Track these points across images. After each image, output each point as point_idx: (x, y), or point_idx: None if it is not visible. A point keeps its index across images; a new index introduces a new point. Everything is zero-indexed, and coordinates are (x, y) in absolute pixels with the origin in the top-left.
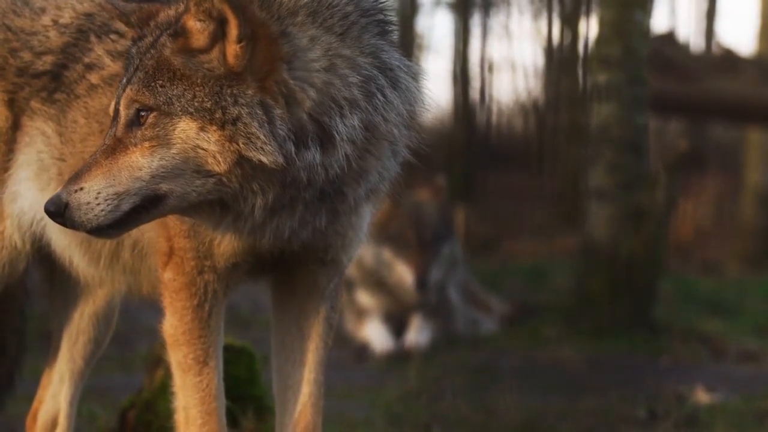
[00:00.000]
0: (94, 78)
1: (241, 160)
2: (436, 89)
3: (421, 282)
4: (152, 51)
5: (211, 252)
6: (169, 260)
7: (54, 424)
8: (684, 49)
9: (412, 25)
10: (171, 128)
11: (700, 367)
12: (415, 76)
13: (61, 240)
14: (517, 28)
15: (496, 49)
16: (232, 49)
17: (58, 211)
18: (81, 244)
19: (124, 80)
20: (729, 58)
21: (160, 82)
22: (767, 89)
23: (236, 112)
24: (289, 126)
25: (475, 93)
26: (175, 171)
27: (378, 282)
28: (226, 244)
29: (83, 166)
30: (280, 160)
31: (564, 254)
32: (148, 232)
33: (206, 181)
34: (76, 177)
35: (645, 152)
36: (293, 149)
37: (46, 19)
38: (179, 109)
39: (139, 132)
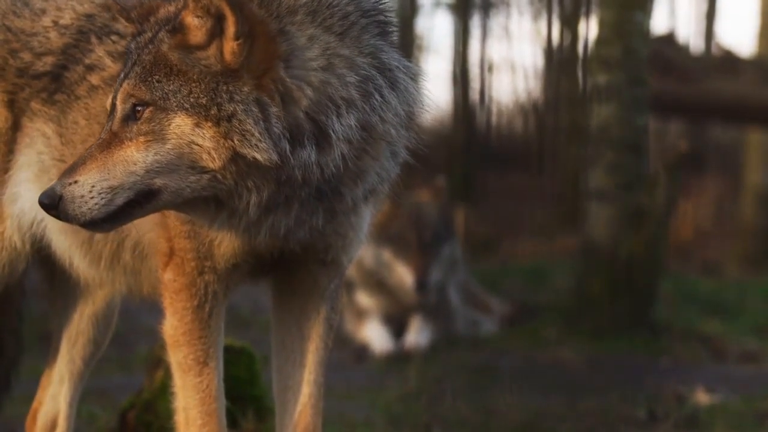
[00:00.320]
0: (94, 79)
1: (235, 157)
2: (435, 90)
3: (421, 283)
4: (150, 46)
5: (211, 253)
6: (169, 261)
7: (54, 424)
8: (684, 50)
9: (412, 26)
10: (166, 123)
11: (700, 368)
12: (415, 76)
13: (62, 241)
14: (516, 29)
15: (496, 50)
16: (229, 46)
17: (52, 204)
18: (82, 245)
19: (122, 75)
20: (729, 58)
21: (157, 77)
22: (767, 90)
23: (231, 109)
24: (285, 124)
25: (474, 94)
26: (169, 166)
27: (378, 283)
28: (226, 245)
29: (78, 159)
30: (275, 157)
31: (564, 255)
32: (149, 233)
33: (201, 177)
34: (71, 170)
35: (645, 153)
36: (288, 147)
37: (46, 20)
38: (175, 104)
39: (135, 126)
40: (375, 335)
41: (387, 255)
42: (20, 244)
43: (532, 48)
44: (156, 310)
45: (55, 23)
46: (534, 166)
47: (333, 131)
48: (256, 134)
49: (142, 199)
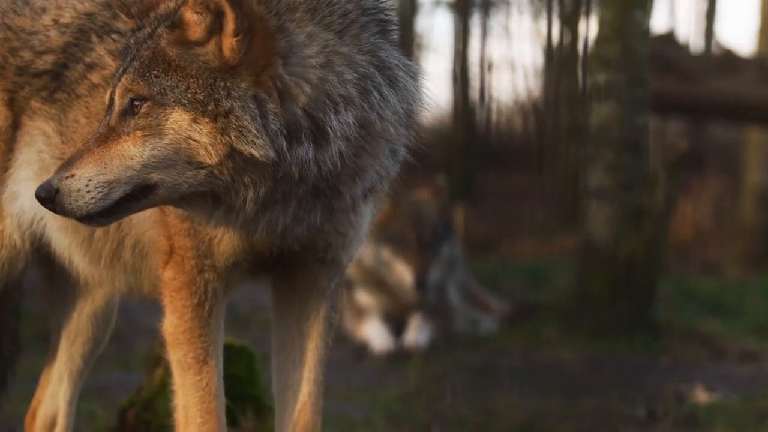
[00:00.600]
0: (95, 78)
1: (232, 153)
2: (435, 89)
3: (420, 282)
4: (149, 42)
5: (211, 251)
6: (169, 259)
7: (53, 423)
8: (684, 49)
9: (412, 25)
10: (164, 118)
11: (700, 367)
12: (414, 75)
13: (62, 240)
14: (516, 28)
15: (496, 49)
16: (228, 42)
17: (49, 197)
18: (82, 243)
19: (120, 69)
20: (729, 58)
21: (155, 72)
22: (767, 89)
23: (229, 104)
24: (282, 121)
25: (474, 93)
26: (166, 161)
27: (377, 282)
28: (226, 243)
29: (75, 153)
30: (271, 154)
31: (564, 254)
32: (149, 231)
33: (197, 173)
34: (68, 164)
35: (645, 152)
36: (285, 144)
37: (46, 19)
38: (172, 99)
39: (132, 121)
40: (375, 334)
41: (386, 254)
42: (20, 243)
43: (532, 47)
44: (155, 309)
45: (56, 22)
46: (534, 166)
47: (331, 128)
48: (253, 130)
49: (138, 194)
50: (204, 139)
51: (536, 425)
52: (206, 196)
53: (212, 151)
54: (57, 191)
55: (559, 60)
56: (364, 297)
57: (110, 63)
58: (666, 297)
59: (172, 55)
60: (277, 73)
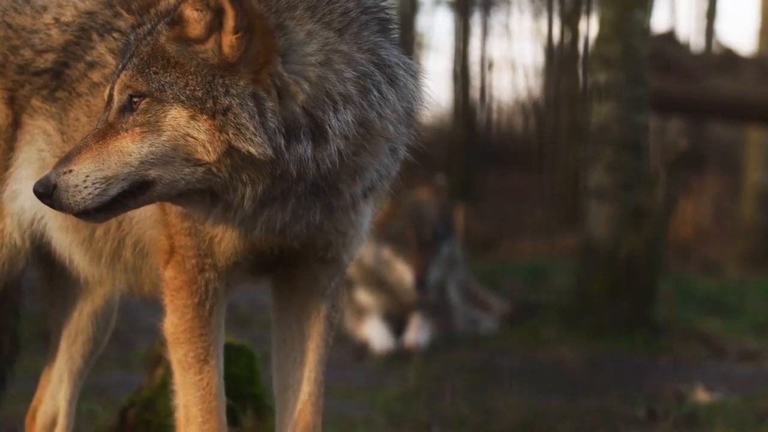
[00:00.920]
0: (96, 76)
1: (230, 151)
2: (436, 88)
3: (421, 281)
4: (148, 38)
5: (211, 250)
6: (170, 258)
7: (53, 423)
8: (684, 48)
9: (413, 24)
10: (162, 115)
11: (700, 367)
12: (415, 74)
13: (62, 239)
14: (517, 27)
15: (497, 48)
16: (228, 39)
17: (46, 193)
18: (82, 243)
19: (120, 66)
20: (729, 57)
21: (154, 68)
22: (767, 89)
23: (227, 102)
24: (281, 119)
25: (475, 92)
26: (164, 158)
27: (378, 281)
28: (226, 243)
29: (74, 149)
30: (269, 152)
31: (564, 254)
32: (150, 231)
33: (195, 170)
34: (66, 159)
35: (645, 152)
36: (283, 142)
37: (47, 17)
38: (171, 96)
39: (131, 118)
40: (375, 333)
41: (387, 253)
42: (20, 242)
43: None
44: (156, 308)
45: (57, 20)
46: (534, 165)
47: (329, 126)
48: (251, 128)
49: (136, 190)
50: (202, 136)
51: (536, 425)
52: (204, 194)
53: (210, 149)
54: (55, 187)
55: (559, 59)
56: (364, 296)
57: (111, 61)
58: (666, 296)
59: (172, 52)
60: (276, 71)
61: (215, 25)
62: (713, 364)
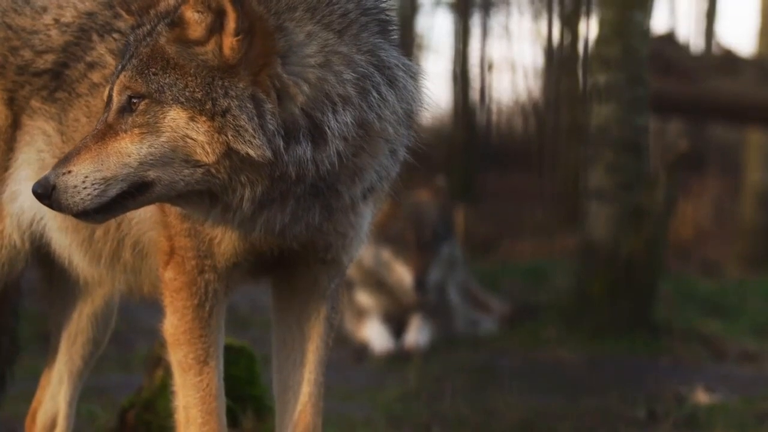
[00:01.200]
0: (95, 77)
1: (229, 152)
2: (435, 89)
3: (420, 283)
4: (148, 39)
5: (211, 251)
6: (169, 259)
7: (53, 424)
8: (684, 49)
9: (412, 25)
10: (161, 116)
11: (700, 368)
12: (414, 75)
13: (62, 239)
14: (516, 29)
15: (496, 49)
16: (229, 41)
17: (45, 193)
18: (82, 243)
19: (119, 67)
20: (729, 58)
21: (153, 70)
22: (767, 90)
23: (226, 104)
24: (280, 121)
25: (474, 93)
26: (163, 159)
27: (377, 282)
28: (226, 244)
29: (73, 149)
30: (268, 154)
31: (564, 254)
32: (149, 232)
33: (194, 171)
34: (65, 160)
35: (645, 153)
36: (283, 144)
37: (47, 18)
38: (170, 97)
39: (130, 119)
40: (375, 335)
41: (386, 254)
42: (20, 243)
43: (532, 47)
44: (156, 309)
45: (57, 21)
46: (534, 166)
47: (329, 128)
48: (250, 130)
49: (135, 191)
50: (201, 138)
51: (536, 425)
52: (203, 195)
53: (209, 150)
54: (54, 187)
55: (559, 60)
56: (364, 298)
57: (111, 62)
58: (666, 297)
59: (171, 53)
60: (275, 72)
61: (216, 27)
62: (713, 365)
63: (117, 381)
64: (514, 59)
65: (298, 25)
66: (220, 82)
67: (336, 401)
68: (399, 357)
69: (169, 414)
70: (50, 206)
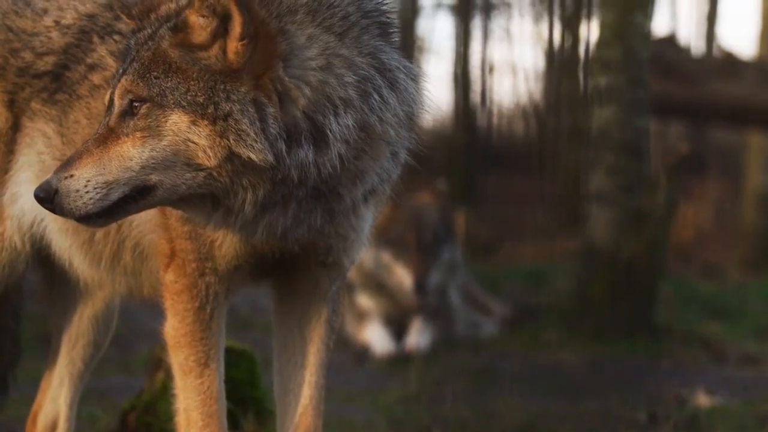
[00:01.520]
0: (96, 78)
1: (231, 156)
2: (436, 92)
3: (420, 285)
4: (150, 43)
5: (212, 254)
6: (170, 262)
7: (54, 426)
8: (685, 52)
9: (413, 28)
10: (163, 120)
11: (701, 371)
12: (415, 77)
13: (62, 241)
14: (517, 31)
15: (497, 52)
16: (234, 46)
17: (48, 197)
18: (82, 245)
19: (120, 70)
20: (730, 61)
21: (155, 73)
22: None
23: (228, 108)
24: (282, 124)
25: (475, 96)
26: (165, 163)
27: (378, 285)
28: (227, 246)
29: (74, 153)
30: (270, 158)
31: (565, 257)
32: (150, 234)
33: (196, 175)
34: (67, 164)
35: (646, 155)
36: (285, 148)
37: (48, 20)
38: (172, 101)
39: (132, 122)
40: (376, 337)
41: (386, 257)
42: (20, 245)
43: (533, 50)
44: (156, 311)
45: (57, 23)
46: (535, 169)
47: (330, 131)
48: (252, 134)
49: (137, 195)
50: (203, 142)
51: (537, 428)
52: (205, 198)
53: (211, 154)
54: (56, 192)
55: (560, 63)
56: (364, 300)
57: (111, 64)
58: (667, 300)
59: (174, 57)
60: (277, 75)
61: (220, 32)
62: (714, 367)
63: (118, 383)
64: (515, 62)
65: (299, 28)
66: (222, 86)
67: (337, 404)
68: (400, 359)
69: (169, 417)
70: (52, 210)
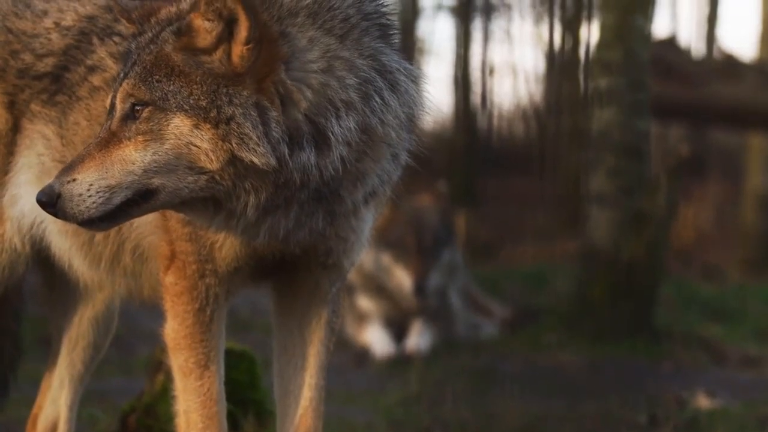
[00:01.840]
0: (96, 80)
1: (233, 160)
2: (437, 93)
3: (419, 287)
4: (151, 47)
5: (212, 256)
6: (170, 264)
7: (54, 428)
8: (685, 54)
9: (414, 29)
10: (165, 124)
11: (701, 372)
12: (416, 79)
13: (62, 243)
14: (518, 33)
15: (498, 54)
16: (239, 50)
17: (51, 202)
18: (82, 247)
19: (122, 74)
20: (730, 63)
21: (157, 77)
22: None
23: (230, 111)
24: (284, 128)
25: (476, 97)
26: (167, 166)
27: (378, 287)
28: (227, 248)
29: (76, 157)
30: (273, 162)
31: (565, 259)
32: (150, 236)
33: (198, 178)
34: (69, 168)
35: (646, 157)
36: (287, 151)
37: (48, 22)
38: (174, 105)
39: (134, 126)
40: (376, 339)
41: (386, 259)
42: (20, 246)
43: (533, 52)
44: (156, 313)
45: (57, 24)
46: (535, 170)
47: (332, 133)
48: (254, 138)
49: (139, 199)
50: (205, 145)
51: (537, 429)
52: (207, 202)
53: (213, 157)
54: (59, 196)
55: (560, 65)
56: (365, 302)
57: (111, 65)
58: (667, 301)
59: (177, 61)
60: (279, 78)
61: (225, 36)
62: (714, 369)
63: (118, 385)
64: (516, 63)
65: (300, 31)
66: (224, 90)
67: (337, 405)
68: (400, 361)
69: (170, 418)
70: (55, 215)
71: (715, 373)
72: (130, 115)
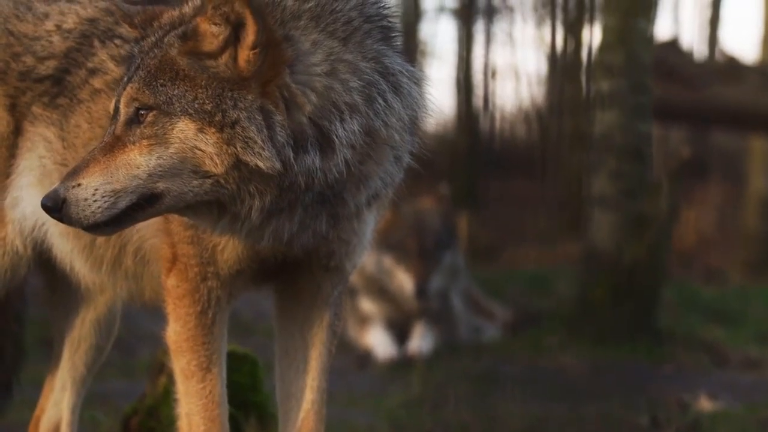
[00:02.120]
0: (97, 83)
1: (238, 163)
2: (439, 96)
3: (421, 290)
4: (155, 50)
5: (214, 258)
6: (172, 267)
7: (56, 430)
8: (687, 56)
9: (416, 32)
10: (170, 128)
11: (703, 375)
12: (418, 81)
13: (63, 245)
14: (520, 35)
15: (500, 56)
16: (245, 54)
17: (56, 207)
18: (83, 250)
19: (125, 79)
20: (732, 65)
21: (161, 81)
22: None
23: (235, 115)
24: (289, 131)
25: (478, 100)
26: (172, 170)
27: (380, 289)
28: (229, 251)
29: (81, 162)
30: (278, 165)
31: (567, 261)
32: (151, 239)
33: (203, 182)
34: (74, 173)
35: (648, 160)
36: (292, 155)
37: (49, 24)
38: (179, 109)
39: (138, 130)
40: (378, 341)
41: (388, 261)
42: (22, 249)
43: (535, 54)
44: (158, 316)
45: (58, 27)
46: (537, 173)
47: (336, 136)
48: (259, 142)
49: (144, 203)
50: (210, 149)
51: (538, 431)
52: (212, 205)
53: (218, 161)
54: (64, 201)
55: (562, 67)
56: (367, 304)
57: (112, 68)
58: (669, 304)
59: (182, 65)
60: (284, 82)
61: (231, 40)
62: (716, 372)
63: (120, 388)
64: (518, 66)
65: (303, 34)
66: (229, 94)
67: (339, 408)
68: (402, 364)
69: (171, 421)
70: (60, 220)
71: (716, 375)
72: (135, 120)
